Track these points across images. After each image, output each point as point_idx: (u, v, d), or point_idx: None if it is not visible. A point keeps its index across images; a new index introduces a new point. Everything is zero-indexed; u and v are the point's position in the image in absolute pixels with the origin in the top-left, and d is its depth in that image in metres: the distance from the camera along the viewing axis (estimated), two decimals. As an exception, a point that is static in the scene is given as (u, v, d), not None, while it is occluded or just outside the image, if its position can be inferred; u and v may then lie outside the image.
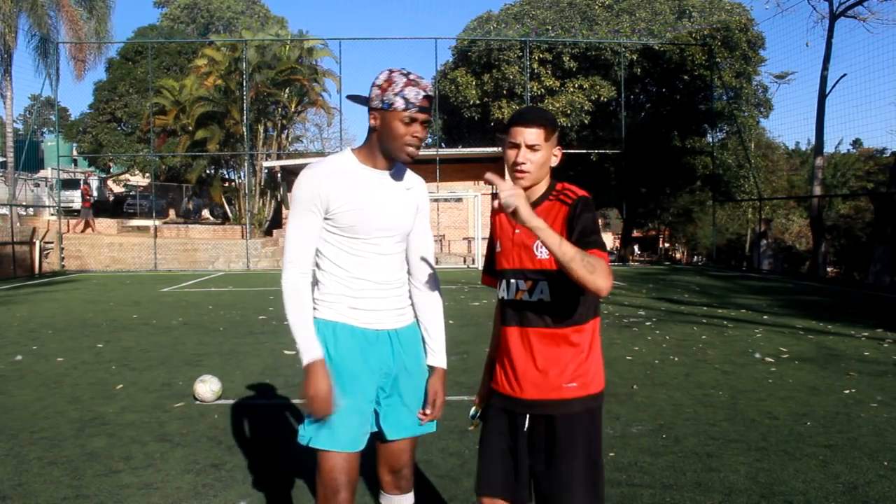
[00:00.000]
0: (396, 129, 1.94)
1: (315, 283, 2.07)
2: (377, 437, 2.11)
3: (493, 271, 2.13)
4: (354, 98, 2.04)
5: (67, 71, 25.09)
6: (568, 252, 1.70)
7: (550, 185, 2.01)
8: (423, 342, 2.18)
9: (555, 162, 1.99)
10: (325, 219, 1.99)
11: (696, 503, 3.04)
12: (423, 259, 2.17)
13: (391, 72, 1.95)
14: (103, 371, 5.91)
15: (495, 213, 2.11)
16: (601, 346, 2.02)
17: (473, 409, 2.19)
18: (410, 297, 2.17)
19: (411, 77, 1.93)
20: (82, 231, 23.09)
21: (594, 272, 1.71)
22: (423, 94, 1.93)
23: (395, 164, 2.07)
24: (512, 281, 1.98)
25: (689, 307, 10.05)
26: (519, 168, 1.93)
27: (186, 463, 3.60)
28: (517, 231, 1.97)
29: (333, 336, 2.01)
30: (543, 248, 1.86)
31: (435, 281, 2.19)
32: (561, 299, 1.91)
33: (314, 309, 2.04)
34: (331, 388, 1.94)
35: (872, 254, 17.59)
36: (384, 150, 2.00)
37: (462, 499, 3.13)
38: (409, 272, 2.17)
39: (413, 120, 1.93)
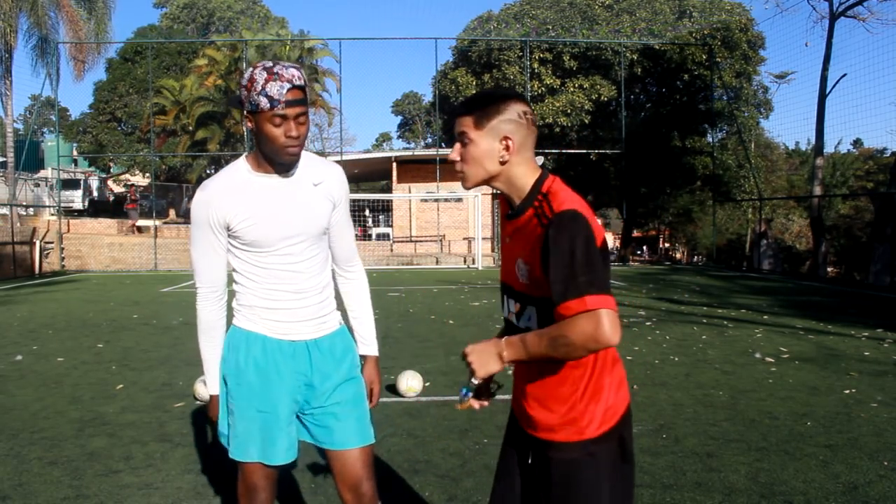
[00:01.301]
0: (269, 132, 1.77)
1: (233, 292, 2.00)
2: (323, 455, 2.07)
3: None
4: (232, 102, 1.89)
5: (67, 71, 25.08)
6: (544, 353, 1.43)
7: (536, 185, 1.57)
8: (353, 335, 2.11)
9: (506, 155, 1.56)
10: (230, 236, 1.91)
11: (696, 503, 3.04)
12: (346, 250, 2.11)
13: (254, 68, 1.77)
14: (103, 371, 5.91)
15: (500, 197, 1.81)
16: (612, 377, 1.60)
17: (466, 388, 1.63)
18: (337, 291, 2.10)
19: (275, 70, 1.74)
20: (132, 232, 23.50)
21: (573, 345, 1.37)
22: (287, 86, 1.73)
23: (298, 160, 1.92)
24: (505, 297, 1.68)
25: (689, 307, 10.05)
26: (457, 168, 1.60)
27: (186, 463, 3.60)
28: (507, 240, 1.65)
29: (246, 346, 1.95)
30: (522, 271, 1.57)
31: (360, 270, 2.16)
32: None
33: (233, 316, 2.01)
34: (216, 411, 2.02)
35: (872, 254, 17.59)
36: (265, 155, 1.85)
37: (462, 498, 3.12)
38: (334, 263, 2.11)
39: (284, 118, 1.75)
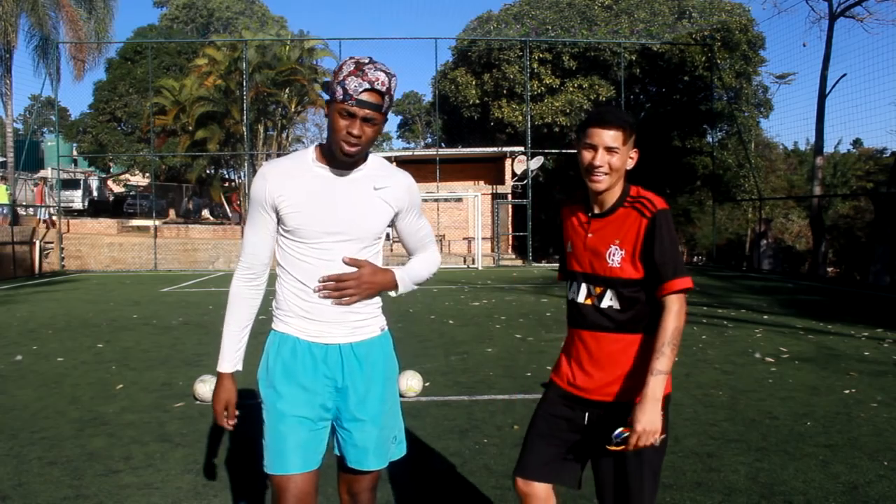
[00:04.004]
0: (334, 122, 1.75)
1: (274, 292, 1.95)
2: (338, 466, 2.00)
3: (566, 271, 2.12)
4: (324, 86, 1.87)
5: (67, 71, 25.10)
6: (672, 355, 1.83)
7: (624, 189, 1.95)
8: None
9: (631, 164, 1.93)
10: (279, 222, 1.87)
11: (696, 503, 3.04)
12: (420, 241, 2.06)
13: (350, 59, 1.75)
14: (103, 371, 5.91)
15: (563, 208, 2.12)
16: None
17: (621, 434, 1.86)
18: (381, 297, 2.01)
19: (364, 66, 1.72)
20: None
21: (680, 330, 1.84)
22: (365, 86, 1.70)
23: (364, 162, 1.89)
24: (583, 285, 1.99)
25: (690, 307, 10.00)
26: (595, 172, 1.89)
27: (186, 463, 3.60)
28: (590, 235, 1.96)
29: (276, 348, 1.90)
30: (615, 256, 1.90)
31: (435, 249, 2.10)
32: (629, 307, 1.92)
33: (271, 320, 1.95)
34: (227, 404, 1.91)
35: (872, 254, 17.59)
36: (329, 146, 1.82)
37: (462, 498, 3.13)
38: (411, 255, 2.09)
39: (351, 115, 1.73)
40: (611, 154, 1.87)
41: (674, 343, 1.82)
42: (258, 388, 1.93)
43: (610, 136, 1.86)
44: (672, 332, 1.82)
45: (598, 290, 1.94)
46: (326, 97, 1.79)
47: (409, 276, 2.00)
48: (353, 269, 1.87)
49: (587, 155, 1.89)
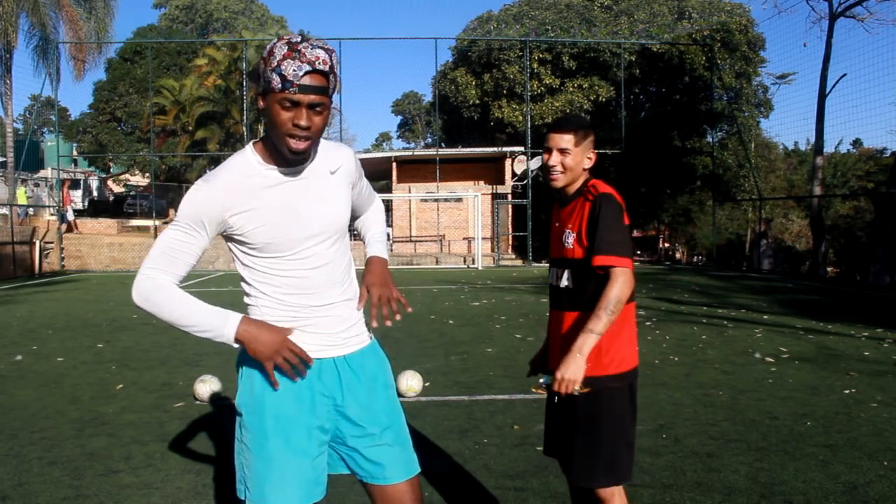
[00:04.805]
0: (275, 115, 1.51)
1: (245, 309, 1.73)
2: (364, 486, 1.79)
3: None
4: (251, 75, 1.65)
5: (67, 71, 25.11)
6: (607, 321, 1.95)
7: (584, 182, 2.15)
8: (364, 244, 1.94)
9: (588, 164, 2.15)
10: (235, 241, 1.65)
11: (696, 503, 3.04)
12: (369, 201, 1.98)
13: (279, 40, 1.51)
14: (103, 371, 5.91)
15: (553, 203, 2.32)
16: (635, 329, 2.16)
17: (547, 378, 2.05)
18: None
19: (299, 46, 1.49)
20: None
21: (620, 301, 1.95)
22: (305, 68, 1.47)
23: (311, 151, 1.65)
24: (552, 269, 2.22)
25: (689, 307, 10.04)
26: (551, 171, 2.13)
27: (186, 463, 3.59)
28: (556, 224, 2.20)
29: (262, 368, 1.64)
30: (569, 239, 2.09)
31: (377, 199, 2.04)
32: (582, 285, 2.08)
33: None
34: (277, 329, 1.60)
35: (873, 254, 17.59)
36: (274, 142, 1.58)
37: (462, 498, 3.13)
38: (360, 215, 1.99)
39: (295, 104, 1.49)
40: (563, 155, 2.09)
41: (612, 310, 1.95)
42: (239, 414, 1.72)
43: (563, 140, 2.09)
44: (611, 299, 1.95)
45: (560, 272, 2.15)
46: (259, 88, 1.55)
47: (384, 247, 1.95)
48: (337, 271, 1.73)
49: (545, 157, 2.15)
